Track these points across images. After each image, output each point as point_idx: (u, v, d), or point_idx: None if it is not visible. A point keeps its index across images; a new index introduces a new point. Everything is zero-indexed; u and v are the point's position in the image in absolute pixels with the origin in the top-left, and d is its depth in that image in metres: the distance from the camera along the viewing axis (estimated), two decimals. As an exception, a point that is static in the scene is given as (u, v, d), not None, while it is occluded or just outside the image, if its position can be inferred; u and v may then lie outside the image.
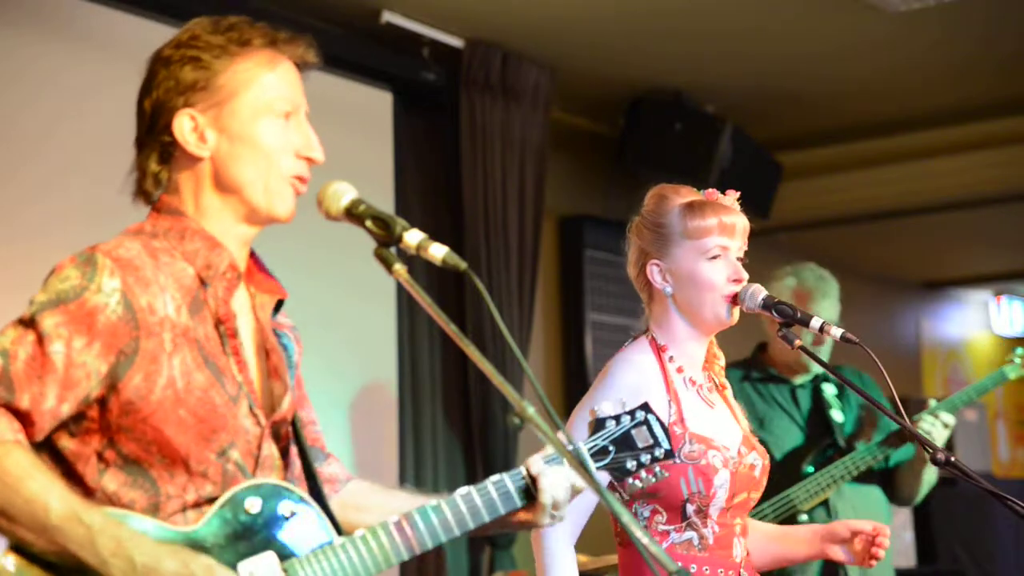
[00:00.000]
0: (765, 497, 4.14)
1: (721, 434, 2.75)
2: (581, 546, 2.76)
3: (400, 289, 5.46)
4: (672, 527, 2.67)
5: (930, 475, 4.26)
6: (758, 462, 2.79)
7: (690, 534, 2.67)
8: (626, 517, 1.78)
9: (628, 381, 2.71)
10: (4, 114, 4.28)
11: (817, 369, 4.32)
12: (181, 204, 2.09)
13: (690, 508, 2.66)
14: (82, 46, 4.51)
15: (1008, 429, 10.99)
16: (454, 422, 5.74)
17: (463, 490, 2.09)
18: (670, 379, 2.74)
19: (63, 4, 4.53)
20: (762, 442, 4.19)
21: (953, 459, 2.63)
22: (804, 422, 4.28)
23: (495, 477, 2.11)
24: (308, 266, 5.11)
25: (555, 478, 2.11)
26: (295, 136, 2.10)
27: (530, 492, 2.11)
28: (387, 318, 5.51)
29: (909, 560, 8.06)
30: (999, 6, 5.58)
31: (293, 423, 2.15)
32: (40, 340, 1.90)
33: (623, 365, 2.75)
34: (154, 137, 2.08)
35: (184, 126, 2.06)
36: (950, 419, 4.07)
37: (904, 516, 7.98)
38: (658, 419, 2.23)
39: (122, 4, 4.60)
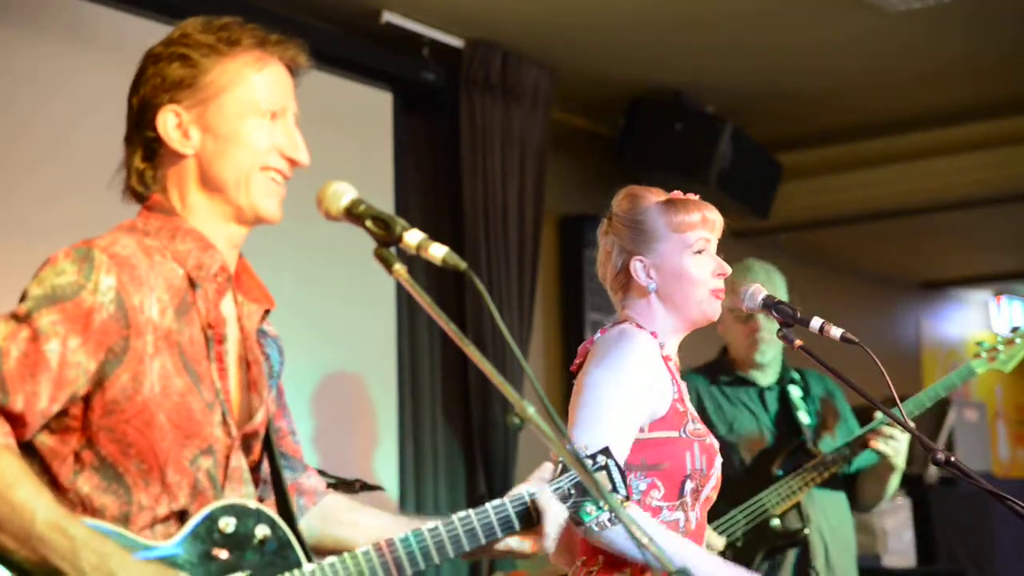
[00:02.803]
0: (736, 503, 4.12)
1: None
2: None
3: (400, 289, 5.46)
4: (667, 503, 2.65)
5: (893, 482, 4.22)
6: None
7: (679, 515, 2.66)
8: (627, 518, 1.78)
9: (642, 341, 2.68)
10: (16, 118, 4.28)
11: (778, 370, 4.30)
12: (170, 203, 2.07)
13: (688, 486, 2.65)
14: (89, 49, 4.51)
15: (1008, 429, 10.99)
16: (454, 422, 5.74)
17: (447, 518, 2.09)
18: (667, 362, 2.74)
19: (70, 7, 4.53)
20: (732, 446, 4.21)
21: (953, 459, 2.63)
22: (772, 424, 4.26)
23: (480, 508, 2.11)
24: (308, 266, 5.11)
25: (558, 508, 2.13)
26: (280, 136, 2.09)
27: (526, 519, 2.11)
28: (387, 318, 5.51)
29: (909, 560, 8.05)
30: (999, 5, 5.58)
31: (266, 437, 2.14)
32: (35, 337, 1.89)
33: (630, 330, 2.70)
34: (140, 133, 2.07)
35: (168, 122, 2.05)
36: (898, 434, 4.01)
37: (904, 516, 7.97)
38: (617, 465, 2.23)
39: (129, 7, 4.60)
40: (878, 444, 3.97)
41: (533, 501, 2.12)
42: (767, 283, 4.19)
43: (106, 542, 1.86)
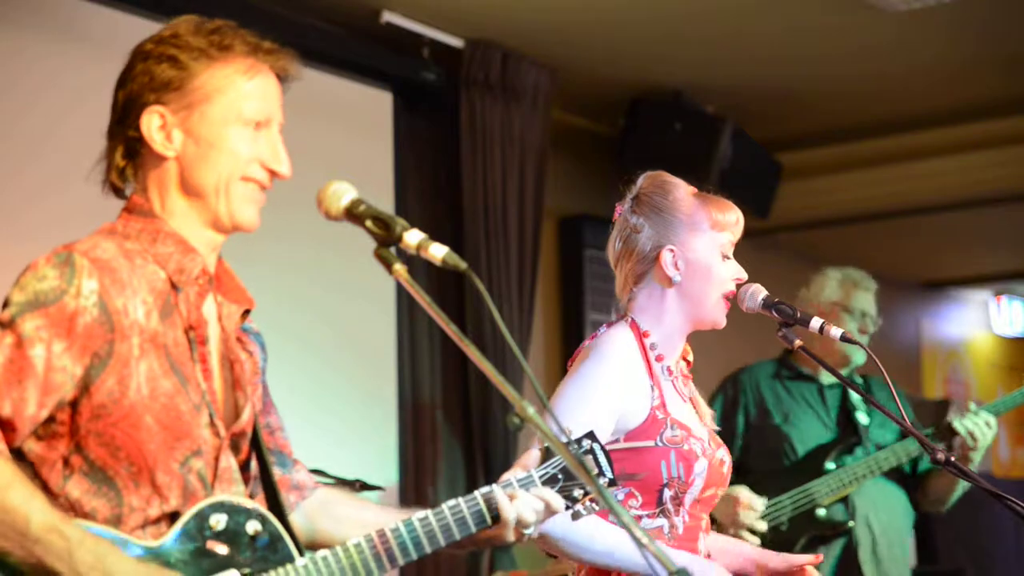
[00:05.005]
0: (784, 490, 4.19)
1: (695, 425, 2.73)
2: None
3: (400, 289, 5.46)
4: (646, 512, 2.63)
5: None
6: (727, 458, 2.77)
7: (661, 521, 2.64)
8: (626, 517, 1.78)
9: (620, 353, 2.66)
10: (6, 115, 4.28)
11: (853, 367, 4.36)
12: (150, 205, 2.07)
13: (667, 494, 2.63)
14: (83, 46, 4.51)
15: (1008, 429, 10.99)
16: (454, 422, 5.74)
17: (436, 508, 2.08)
18: (651, 363, 2.71)
19: (64, 4, 4.53)
20: (785, 435, 4.27)
21: (953, 459, 2.63)
22: (831, 420, 4.33)
23: (452, 502, 2.09)
24: (308, 266, 5.11)
25: (525, 499, 2.11)
26: (264, 147, 2.08)
27: (495, 513, 2.10)
28: (387, 318, 5.51)
29: (909, 560, 8.05)
30: (999, 6, 5.58)
31: (254, 435, 2.14)
32: (19, 343, 1.89)
33: (613, 339, 2.68)
34: (122, 130, 2.07)
35: (152, 123, 2.04)
36: (994, 422, 4.10)
37: (904, 516, 7.97)
38: (602, 448, 2.22)
39: (123, 4, 4.60)
40: (958, 428, 4.04)
41: (487, 498, 2.10)
42: (865, 286, 4.32)
43: (101, 542, 1.87)
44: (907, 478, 4.35)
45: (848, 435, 4.30)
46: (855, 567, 4.24)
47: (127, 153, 2.08)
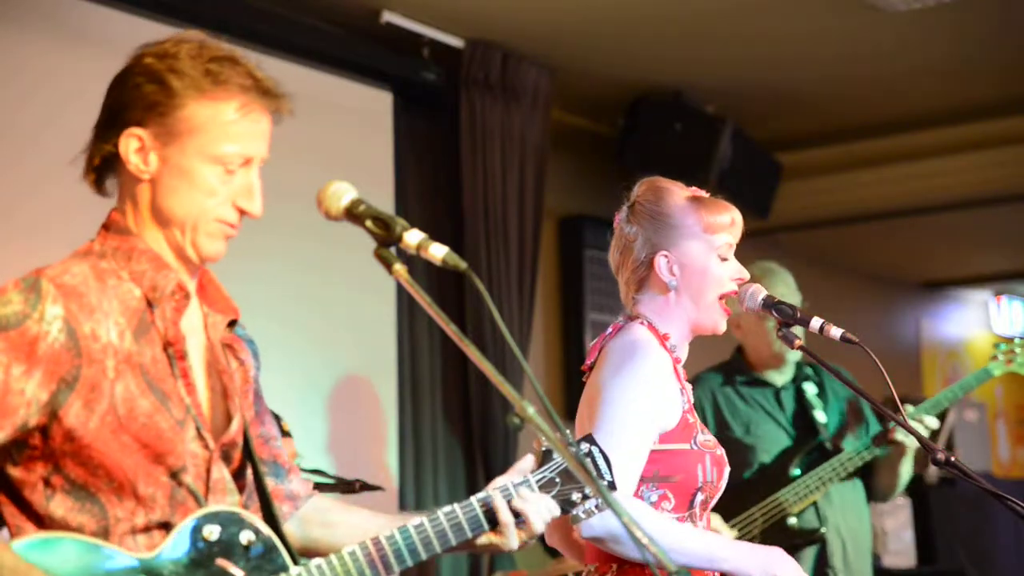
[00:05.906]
0: (754, 502, 4.13)
1: None
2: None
3: (400, 289, 5.46)
4: (676, 515, 2.62)
5: (907, 468, 4.24)
6: None
7: (687, 525, 2.64)
8: (627, 518, 1.78)
9: (657, 352, 2.64)
10: (2, 111, 4.28)
11: (793, 368, 4.31)
12: (127, 222, 2.07)
13: (699, 497, 2.63)
14: (78, 43, 4.51)
15: (1008, 429, 10.99)
16: (454, 422, 5.74)
17: (432, 513, 2.08)
18: (675, 365, 2.70)
19: (60, 2, 4.53)
20: (750, 448, 4.21)
21: (953, 459, 2.62)
22: (789, 424, 4.26)
23: (447, 508, 2.09)
24: (308, 265, 5.11)
25: (535, 502, 2.11)
26: (239, 185, 2.06)
27: (492, 519, 2.10)
28: (387, 318, 5.51)
29: (909, 560, 8.05)
30: (999, 6, 5.58)
31: (246, 443, 2.13)
32: None
33: (644, 338, 2.65)
34: (104, 139, 2.06)
35: (130, 146, 2.03)
36: (933, 422, 4.04)
37: (904, 516, 7.98)
38: (601, 451, 2.20)
39: (118, 3, 4.60)
40: (898, 435, 4.01)
41: (483, 504, 2.10)
42: (770, 283, 4.22)
43: (33, 571, 1.86)
44: (860, 472, 4.31)
45: (807, 437, 4.25)
46: (830, 573, 4.20)
47: (104, 163, 2.07)
